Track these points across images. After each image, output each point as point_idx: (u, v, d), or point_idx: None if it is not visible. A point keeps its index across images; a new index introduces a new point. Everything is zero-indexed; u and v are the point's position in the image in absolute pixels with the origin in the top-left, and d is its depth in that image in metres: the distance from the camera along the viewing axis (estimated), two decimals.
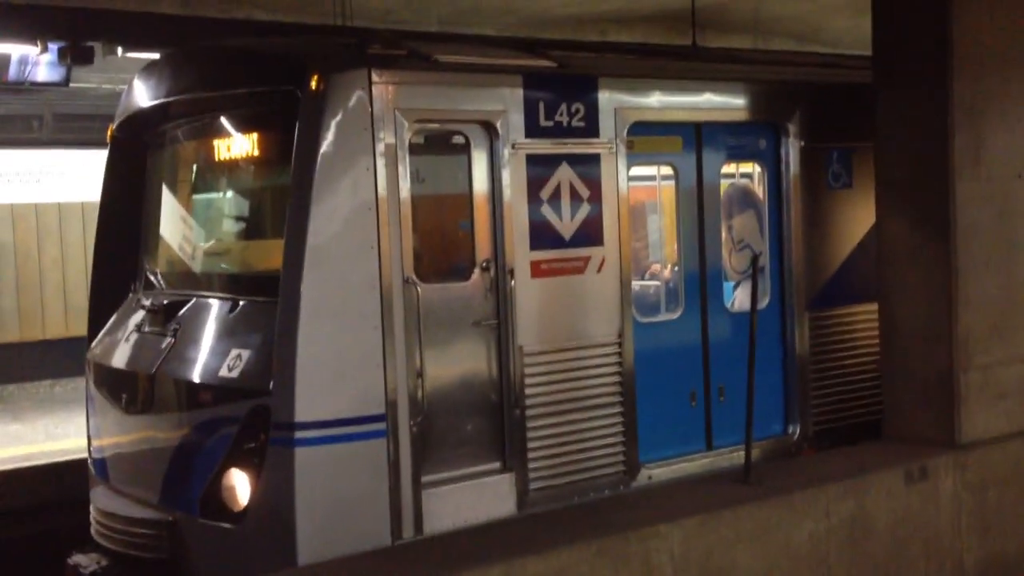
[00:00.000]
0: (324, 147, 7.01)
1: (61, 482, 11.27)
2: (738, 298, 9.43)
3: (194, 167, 8.68)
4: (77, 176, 20.52)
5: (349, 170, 7.09)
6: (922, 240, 8.38)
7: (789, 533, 7.34)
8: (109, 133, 8.86)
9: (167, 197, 8.74)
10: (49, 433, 15.69)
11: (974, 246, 8.32)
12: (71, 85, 17.72)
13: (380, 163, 7.17)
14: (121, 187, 8.80)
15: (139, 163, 8.79)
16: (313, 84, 7.04)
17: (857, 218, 9.66)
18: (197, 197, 8.71)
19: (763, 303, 9.25)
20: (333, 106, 7.05)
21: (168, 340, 7.82)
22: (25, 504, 11.17)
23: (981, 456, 8.34)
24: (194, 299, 7.97)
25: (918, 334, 8.41)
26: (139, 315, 8.37)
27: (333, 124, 7.05)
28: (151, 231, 8.83)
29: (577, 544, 6.47)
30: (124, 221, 8.83)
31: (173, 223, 8.72)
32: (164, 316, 7.98)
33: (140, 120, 8.59)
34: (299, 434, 6.86)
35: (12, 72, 17.69)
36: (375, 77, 7.17)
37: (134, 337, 8.30)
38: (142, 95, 8.48)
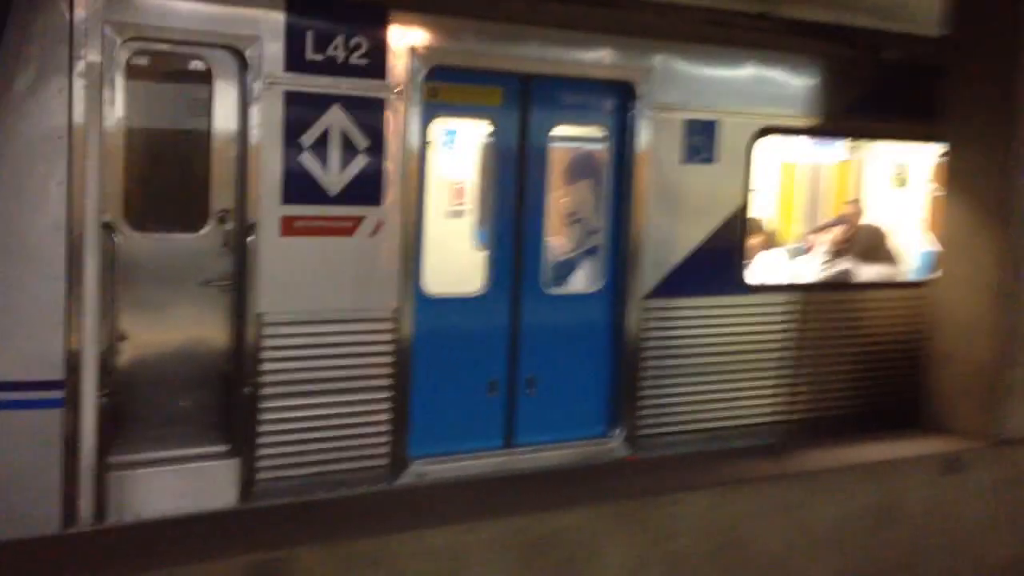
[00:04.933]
0: (5, 60, 5.91)
1: None
2: (565, 278, 8.29)
3: None
4: None
5: (37, 90, 6.01)
6: (976, 230, 8.26)
7: (812, 513, 7.30)
8: None
9: None
10: None
11: None
12: None
13: (79, 85, 6.08)
14: None
15: None
16: None
17: (718, 199, 8.46)
18: None
19: (593, 286, 8.11)
20: (21, 12, 5.96)
21: None
22: None
23: (1021, 453, 8.21)
24: None
25: (965, 326, 8.31)
26: None
27: (20, 34, 5.96)
28: None
29: (602, 504, 6.54)
30: None
31: None
32: None
33: None
34: None
35: None
36: None
37: None
38: None
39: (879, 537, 7.55)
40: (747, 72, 8.51)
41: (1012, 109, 8.03)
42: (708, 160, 8.40)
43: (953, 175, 8.45)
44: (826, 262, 10.00)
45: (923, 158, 10.95)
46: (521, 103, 7.71)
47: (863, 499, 7.49)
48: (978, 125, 8.23)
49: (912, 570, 7.82)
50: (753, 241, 9.58)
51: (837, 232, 10.34)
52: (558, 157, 8.23)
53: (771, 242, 10.42)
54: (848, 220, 10.59)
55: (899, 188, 11.49)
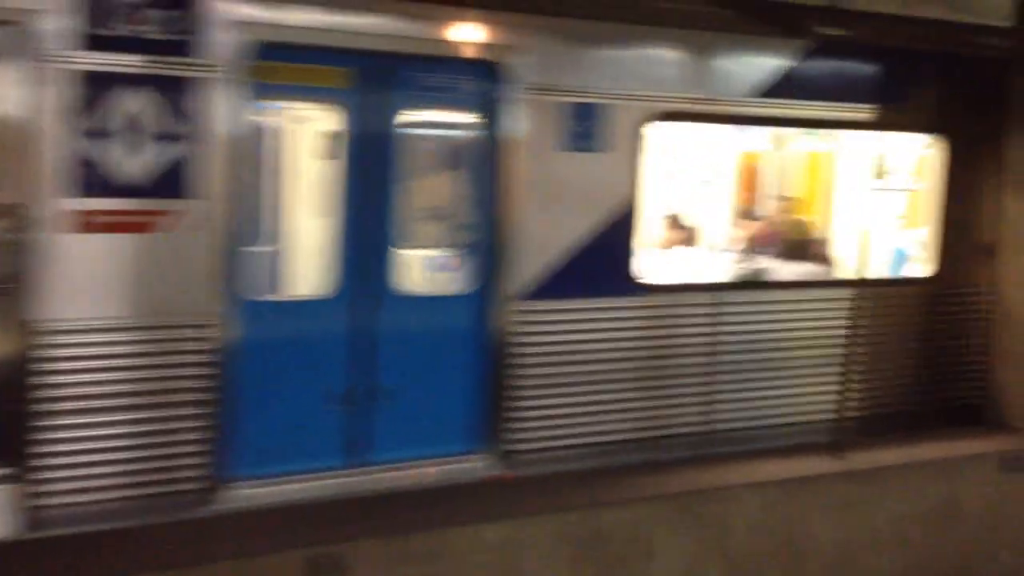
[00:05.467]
0: None
1: None
2: (425, 278, 7.51)
3: None
4: None
5: None
6: None
7: (871, 510, 7.41)
8: None
9: None
10: None
11: None
12: None
13: None
14: None
15: None
16: None
17: (603, 190, 7.63)
18: None
19: (459, 287, 7.34)
20: None
21: None
22: None
23: None
24: None
25: None
26: None
27: None
28: None
29: (657, 500, 6.64)
30: None
31: None
32: None
33: None
34: None
35: None
36: None
37: None
38: None
39: (942, 534, 7.65)
40: (638, 51, 7.68)
41: None
42: (591, 148, 7.57)
43: (1014, 169, 8.47)
44: (742, 260, 9.14)
45: (901, 150, 10.12)
46: (370, 85, 6.92)
47: (926, 496, 7.58)
48: None
49: (975, 568, 7.91)
50: (672, 237, 8.79)
51: (755, 228, 9.49)
52: (418, 145, 7.42)
53: (693, 238, 9.57)
54: (771, 217, 9.74)
55: (877, 182, 10.63)
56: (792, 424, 8.41)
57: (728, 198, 10.49)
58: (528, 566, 6.54)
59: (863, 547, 7.33)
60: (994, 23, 9.07)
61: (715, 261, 9.18)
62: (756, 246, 9.36)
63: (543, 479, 7.30)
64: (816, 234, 9.69)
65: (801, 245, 9.43)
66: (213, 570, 5.54)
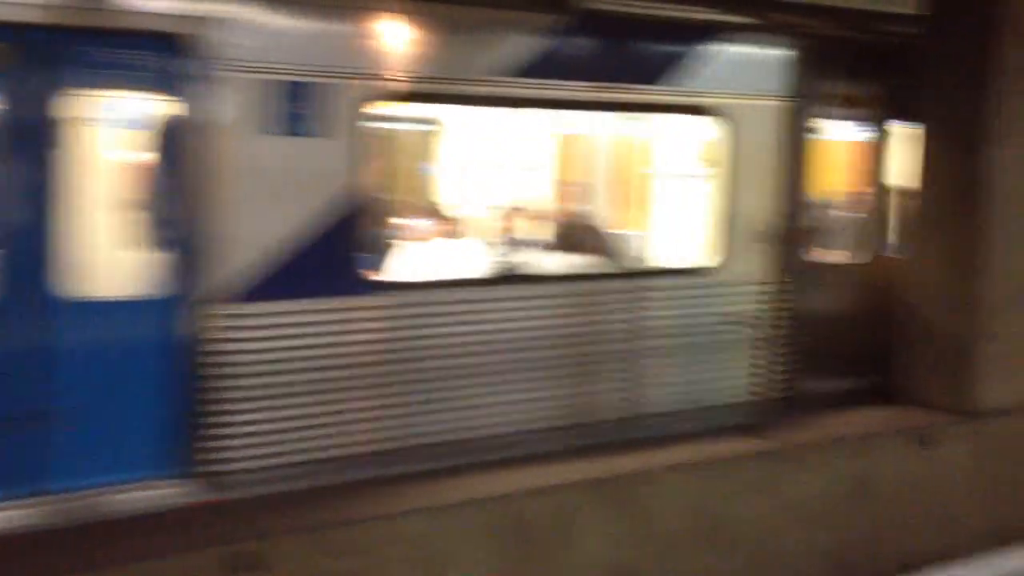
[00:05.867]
0: None
1: None
2: (108, 281, 6.66)
3: None
4: None
5: None
6: (952, 206, 8.43)
7: (790, 488, 7.53)
8: None
9: None
10: None
11: (1007, 216, 8.34)
12: None
13: None
14: None
15: None
16: None
17: (323, 178, 6.86)
18: None
19: (148, 290, 6.53)
20: None
21: None
22: None
23: (991, 425, 8.47)
24: None
25: (940, 301, 8.52)
26: None
27: None
28: None
29: (580, 485, 6.67)
30: None
31: None
32: None
33: None
34: None
35: None
36: None
37: None
38: None
39: (860, 510, 7.80)
40: (360, 24, 6.92)
41: (985, 86, 8.18)
42: (304, 132, 6.78)
43: (927, 153, 8.57)
44: (504, 253, 8.41)
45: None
46: (30, 64, 6.04)
47: (841, 473, 7.72)
48: (951, 104, 8.38)
49: (892, 542, 8.05)
50: (433, 229, 8.06)
51: (511, 218, 8.80)
52: (92, 130, 6.61)
53: (456, 231, 8.82)
54: (538, 206, 9.08)
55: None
56: (533, 431, 7.75)
57: (532, 185, 9.86)
58: None
59: (783, 525, 7.47)
60: None
61: (476, 254, 8.41)
62: (513, 237, 8.62)
63: (238, 504, 6.51)
64: (597, 223, 8.99)
65: (575, 236, 8.73)
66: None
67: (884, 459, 7.99)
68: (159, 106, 6.52)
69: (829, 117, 8.96)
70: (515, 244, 8.56)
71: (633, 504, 6.95)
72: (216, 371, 6.58)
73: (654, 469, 7.10)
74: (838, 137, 9.39)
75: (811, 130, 8.73)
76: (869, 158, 9.43)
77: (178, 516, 6.27)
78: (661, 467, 7.15)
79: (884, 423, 8.28)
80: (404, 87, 7.10)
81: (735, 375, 8.30)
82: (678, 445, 7.58)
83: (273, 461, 6.85)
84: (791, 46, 8.59)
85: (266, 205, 6.69)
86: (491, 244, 8.54)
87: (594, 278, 8.20)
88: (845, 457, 7.84)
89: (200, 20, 6.38)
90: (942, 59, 8.48)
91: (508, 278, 8.00)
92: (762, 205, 8.63)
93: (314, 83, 6.78)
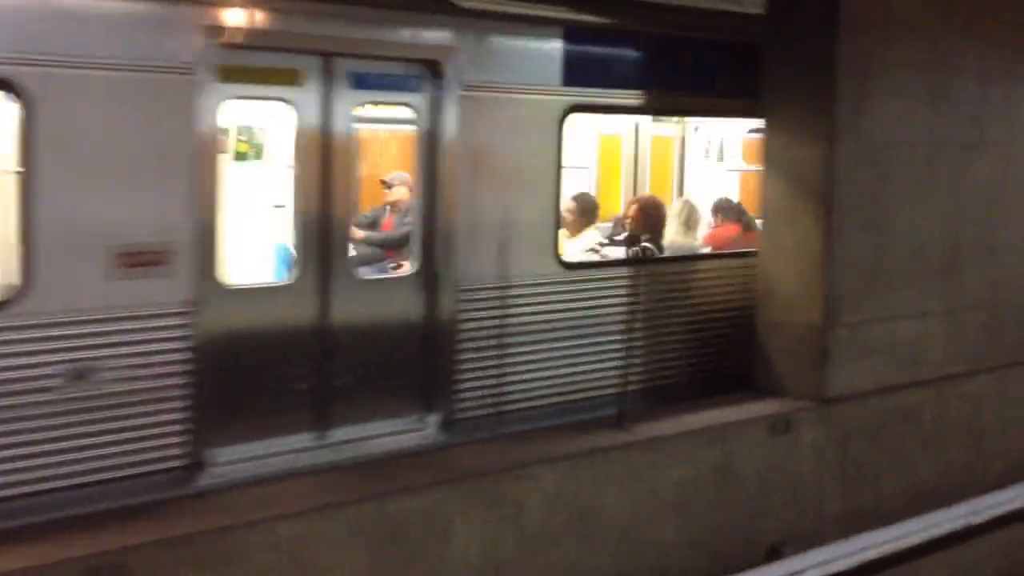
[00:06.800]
0: None
1: None
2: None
3: None
4: None
5: None
6: (799, 200, 8.68)
7: (657, 477, 7.68)
8: None
9: None
10: None
11: (850, 208, 8.64)
12: None
13: None
14: None
15: None
16: None
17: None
18: None
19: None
20: None
21: None
22: None
23: (844, 411, 8.77)
24: None
25: (791, 292, 8.72)
26: None
27: None
28: None
29: (452, 483, 6.67)
30: None
31: None
32: None
33: None
34: None
35: None
36: None
37: None
38: None
39: (724, 496, 7.99)
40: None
41: (829, 81, 8.43)
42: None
43: (771, 149, 8.82)
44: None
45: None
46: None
47: (703, 462, 7.88)
48: (795, 99, 8.61)
49: (754, 528, 8.21)
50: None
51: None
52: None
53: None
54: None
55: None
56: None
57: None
58: None
59: (651, 514, 7.58)
60: None
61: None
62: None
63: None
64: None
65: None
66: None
67: (742, 447, 8.18)
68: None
69: None
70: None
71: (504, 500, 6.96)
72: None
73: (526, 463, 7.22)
74: None
75: None
76: None
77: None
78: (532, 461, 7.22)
79: (741, 412, 8.46)
80: None
81: None
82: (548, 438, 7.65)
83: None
84: None
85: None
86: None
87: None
88: (704, 446, 7.99)
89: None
90: (784, 58, 8.73)
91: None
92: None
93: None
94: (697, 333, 9.05)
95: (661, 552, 7.72)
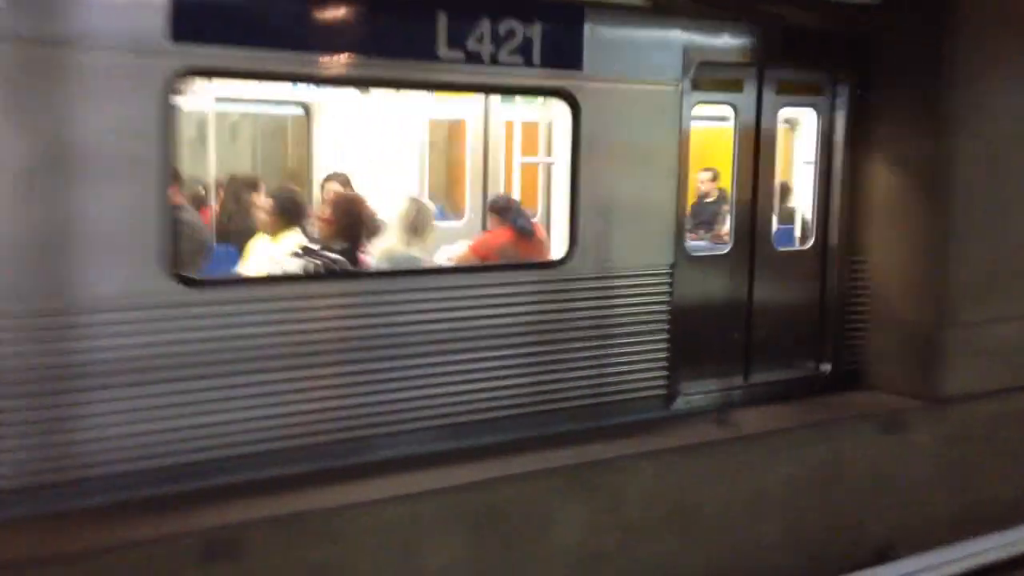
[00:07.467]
0: None
1: None
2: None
3: None
4: None
5: None
6: (911, 196, 8.57)
7: (762, 475, 7.61)
8: None
9: None
10: None
11: (966, 205, 8.48)
12: None
13: None
14: None
15: None
16: None
17: None
18: None
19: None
20: None
21: None
22: None
23: (959, 412, 8.64)
24: None
25: (906, 289, 8.64)
26: None
27: None
28: None
29: (552, 473, 6.67)
30: None
31: None
32: None
33: None
34: None
35: None
36: None
37: None
38: None
39: (830, 496, 7.90)
40: None
41: (941, 72, 8.27)
42: None
43: (881, 141, 8.69)
44: None
45: None
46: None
47: (810, 460, 7.82)
48: (907, 90, 8.50)
49: (863, 529, 8.13)
50: None
51: None
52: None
53: None
54: None
55: None
56: None
57: None
58: None
59: (754, 511, 7.56)
60: None
61: None
62: None
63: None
64: None
65: None
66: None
67: (852, 446, 8.09)
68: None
69: None
70: None
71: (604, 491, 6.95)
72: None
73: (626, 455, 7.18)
74: None
75: None
76: None
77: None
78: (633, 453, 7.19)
79: (851, 410, 8.41)
80: None
81: None
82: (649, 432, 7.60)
83: None
84: None
85: None
86: None
87: None
88: (812, 444, 7.88)
89: None
90: (895, 45, 8.64)
91: None
92: None
93: None
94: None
95: (763, 551, 7.63)
